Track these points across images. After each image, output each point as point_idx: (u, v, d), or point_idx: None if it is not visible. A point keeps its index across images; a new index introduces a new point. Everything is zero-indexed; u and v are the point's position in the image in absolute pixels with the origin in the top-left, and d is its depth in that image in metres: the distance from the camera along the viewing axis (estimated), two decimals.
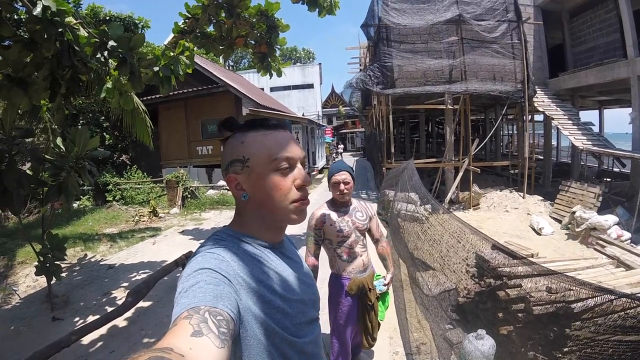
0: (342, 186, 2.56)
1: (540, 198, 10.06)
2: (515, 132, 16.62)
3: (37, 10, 2.76)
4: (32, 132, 4.71)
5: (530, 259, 4.74)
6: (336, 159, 31.17)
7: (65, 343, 3.18)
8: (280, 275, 0.91)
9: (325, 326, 3.79)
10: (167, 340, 0.57)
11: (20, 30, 3.33)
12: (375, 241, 2.84)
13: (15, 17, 3.61)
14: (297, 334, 0.89)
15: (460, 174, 10.50)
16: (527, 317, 3.33)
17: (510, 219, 8.85)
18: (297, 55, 57.53)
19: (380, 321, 2.94)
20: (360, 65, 20.99)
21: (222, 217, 10.90)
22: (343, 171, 2.58)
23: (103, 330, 4.10)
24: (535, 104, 11.09)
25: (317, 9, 5.24)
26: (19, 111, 4.65)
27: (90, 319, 4.41)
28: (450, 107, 10.99)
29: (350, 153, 42.29)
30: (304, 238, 2.62)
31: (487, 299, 3.90)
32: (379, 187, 11.88)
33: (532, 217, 8.48)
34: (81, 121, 13.52)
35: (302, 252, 1.27)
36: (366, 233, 2.73)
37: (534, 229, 7.92)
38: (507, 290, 3.70)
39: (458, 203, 10.62)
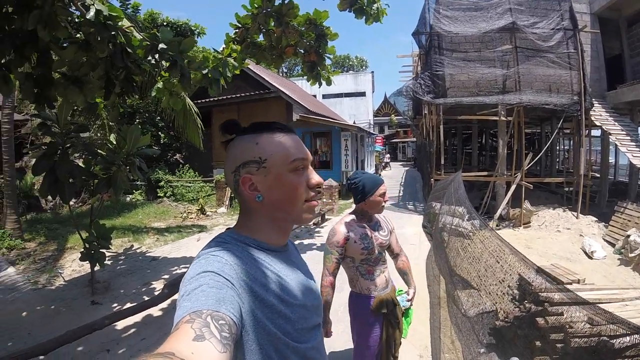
0: (386, 196, 2.43)
1: (595, 219, 9.35)
2: (572, 147, 15.69)
3: (90, 14, 2.96)
4: (86, 127, 5.04)
5: (576, 285, 4.45)
6: (385, 169, 30.80)
7: (99, 326, 3.35)
8: (283, 279, 0.90)
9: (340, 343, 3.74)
10: (169, 344, 0.57)
11: (78, 33, 3.57)
12: (395, 256, 2.69)
13: (76, 20, 3.91)
14: (299, 339, 0.88)
15: (512, 189, 10.01)
16: (565, 349, 3.10)
17: (561, 240, 8.32)
18: (350, 63, 57.87)
19: (402, 338, 2.84)
20: (412, 73, 20.72)
21: None
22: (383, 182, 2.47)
23: (138, 317, 4.30)
24: (592, 118, 10.33)
25: (364, 17, 5.26)
26: (79, 108, 5.00)
27: (127, 306, 4.62)
28: (504, 118, 10.52)
29: (400, 163, 41.60)
30: (323, 255, 2.43)
31: (525, 324, 3.68)
32: (426, 199, 11.63)
33: (584, 239, 7.91)
34: (137, 120, 14.35)
35: (309, 262, 1.23)
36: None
37: (585, 252, 7.40)
38: (546, 317, 3.48)
39: (508, 220, 10.12)
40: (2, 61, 3.05)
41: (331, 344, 3.74)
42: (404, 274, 2.73)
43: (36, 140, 10.36)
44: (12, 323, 4.47)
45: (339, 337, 3.84)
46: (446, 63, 10.75)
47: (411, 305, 2.71)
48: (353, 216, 2.46)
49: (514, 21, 10.27)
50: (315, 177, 0.96)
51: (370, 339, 2.50)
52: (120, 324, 4.15)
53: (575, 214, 9.68)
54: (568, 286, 3.91)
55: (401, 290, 2.72)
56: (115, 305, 4.92)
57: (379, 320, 2.47)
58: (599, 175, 12.40)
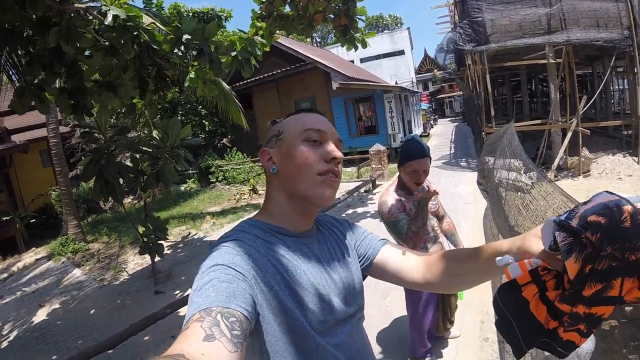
0: (422, 177, 2.24)
1: None
2: (627, 86, 14.20)
3: (108, 19, 2.99)
4: (127, 129, 5.24)
5: None
6: (434, 126, 29.77)
7: (160, 315, 3.55)
8: (302, 266, 0.85)
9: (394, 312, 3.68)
10: (179, 345, 0.56)
11: (102, 40, 3.64)
12: (440, 218, 2.61)
13: (101, 28, 3.99)
14: (324, 332, 0.84)
15: (568, 136, 9.28)
16: (635, 312, 2.90)
17: (623, 188, 7.62)
18: (384, 22, 55.52)
19: (459, 301, 2.81)
20: (450, 24, 19.60)
21: None
22: (427, 158, 2.22)
23: None
24: None
25: None
26: (121, 111, 5.19)
27: (188, 292, 4.83)
28: (553, 61, 9.69)
29: (449, 119, 39.89)
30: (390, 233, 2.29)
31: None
32: (479, 154, 11.14)
33: None
34: (180, 112, 14.77)
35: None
36: None
37: None
38: None
39: (567, 169, 9.47)
40: (35, 82, 3.19)
41: (389, 311, 3.72)
42: (452, 235, 2.68)
43: (86, 147, 11.04)
44: (81, 321, 4.85)
45: (395, 303, 3.80)
46: (484, 8, 9.99)
47: None
48: (399, 186, 2.36)
49: None
50: (333, 152, 0.92)
51: (425, 306, 2.50)
52: (182, 311, 4.28)
53: (636, 159, 8.90)
54: None
55: None
56: (177, 292, 5.20)
57: None
58: None
